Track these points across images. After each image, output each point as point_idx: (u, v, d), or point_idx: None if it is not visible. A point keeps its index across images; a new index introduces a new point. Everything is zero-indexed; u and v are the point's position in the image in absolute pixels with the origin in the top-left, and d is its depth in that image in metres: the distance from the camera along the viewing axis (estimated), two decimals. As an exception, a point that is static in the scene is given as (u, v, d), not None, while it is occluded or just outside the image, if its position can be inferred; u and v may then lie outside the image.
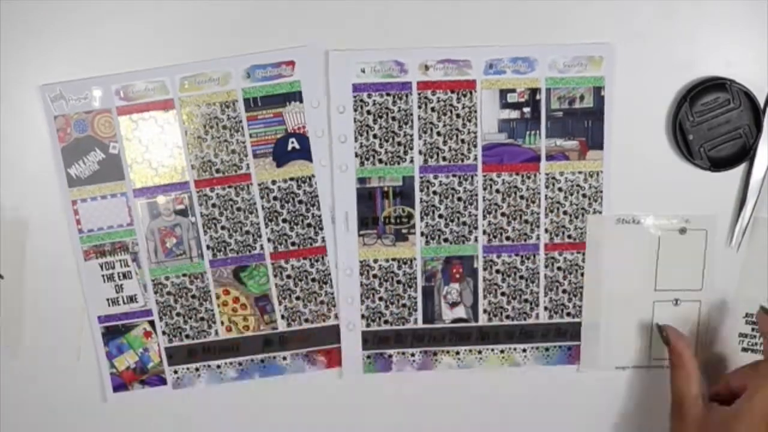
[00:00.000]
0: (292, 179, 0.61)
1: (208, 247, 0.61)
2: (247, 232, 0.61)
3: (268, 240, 0.61)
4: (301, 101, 0.60)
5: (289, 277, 0.62)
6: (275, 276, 0.62)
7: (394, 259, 0.62)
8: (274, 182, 0.61)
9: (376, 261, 0.62)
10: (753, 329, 0.63)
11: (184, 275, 0.62)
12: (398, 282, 0.62)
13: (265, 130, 0.60)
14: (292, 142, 0.60)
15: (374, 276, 0.62)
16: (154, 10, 0.58)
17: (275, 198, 0.61)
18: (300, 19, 0.58)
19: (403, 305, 0.63)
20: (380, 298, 0.62)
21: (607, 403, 0.65)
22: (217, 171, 0.60)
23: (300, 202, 0.61)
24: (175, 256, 0.61)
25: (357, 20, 0.59)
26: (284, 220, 0.61)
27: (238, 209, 0.61)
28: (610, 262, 0.62)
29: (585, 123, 0.61)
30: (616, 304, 0.63)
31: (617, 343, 0.63)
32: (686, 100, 0.59)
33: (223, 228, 0.61)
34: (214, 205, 0.61)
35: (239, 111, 0.60)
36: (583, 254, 0.62)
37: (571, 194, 0.61)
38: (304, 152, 0.60)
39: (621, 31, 0.59)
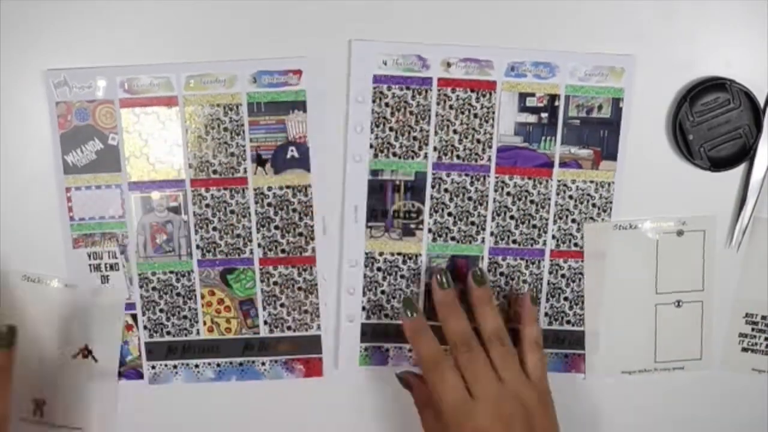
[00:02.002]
0: (288, 187, 0.61)
1: (197, 246, 0.61)
2: (238, 236, 0.61)
3: (259, 245, 0.61)
4: (304, 111, 0.60)
5: (275, 283, 0.62)
6: (262, 281, 0.62)
7: (399, 254, 0.62)
8: (269, 188, 0.61)
9: (381, 254, 0.62)
10: (753, 329, 0.64)
11: (171, 272, 0.62)
12: (402, 276, 0.62)
13: (266, 136, 0.60)
14: (292, 151, 0.60)
15: (378, 269, 0.62)
16: (167, 6, 0.58)
17: (269, 204, 0.61)
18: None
19: None
20: (382, 292, 0.63)
21: (613, 408, 0.65)
22: (214, 172, 0.60)
23: (294, 210, 0.61)
24: (164, 252, 0.61)
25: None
26: (276, 227, 0.61)
27: (231, 212, 0.61)
28: (611, 267, 0.63)
29: (601, 133, 0.61)
30: (618, 308, 0.63)
31: (622, 348, 0.64)
32: (686, 100, 0.60)
33: (214, 229, 0.61)
34: (207, 206, 0.61)
35: (242, 114, 0.60)
36: None
37: (581, 203, 0.62)
38: (303, 161, 0.60)
39: (621, 31, 0.60)
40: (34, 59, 0.58)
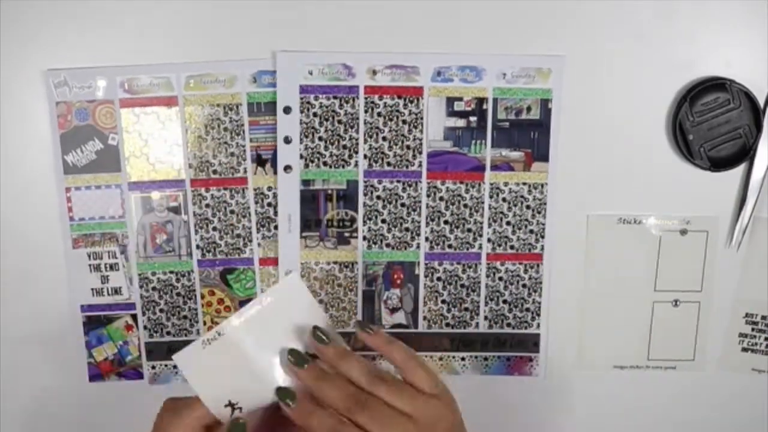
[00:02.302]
0: (288, 187, 0.61)
1: (197, 246, 0.61)
2: (238, 236, 0.61)
3: (258, 245, 0.61)
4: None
5: (275, 283, 0.62)
6: (262, 281, 0.62)
7: (335, 262, 0.62)
8: (270, 188, 0.61)
9: (317, 263, 0.62)
10: (753, 329, 0.64)
11: (171, 272, 0.62)
12: (339, 285, 0.62)
13: (266, 136, 0.60)
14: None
15: (315, 278, 0.62)
16: (167, 6, 0.58)
17: (269, 204, 0.61)
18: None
19: (344, 308, 0.63)
20: (320, 301, 0.62)
21: (605, 402, 0.65)
22: (214, 172, 0.60)
23: (294, 210, 0.61)
24: (164, 252, 0.61)
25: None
26: (276, 227, 0.61)
27: (231, 212, 0.61)
28: (611, 261, 0.63)
29: (531, 134, 0.61)
30: (615, 303, 0.63)
31: (616, 343, 0.64)
32: (686, 100, 0.60)
33: (214, 229, 0.61)
34: (207, 206, 0.61)
35: (242, 114, 0.60)
36: (525, 265, 0.63)
37: (515, 205, 0.62)
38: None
39: (621, 32, 0.60)
40: (34, 59, 0.58)
